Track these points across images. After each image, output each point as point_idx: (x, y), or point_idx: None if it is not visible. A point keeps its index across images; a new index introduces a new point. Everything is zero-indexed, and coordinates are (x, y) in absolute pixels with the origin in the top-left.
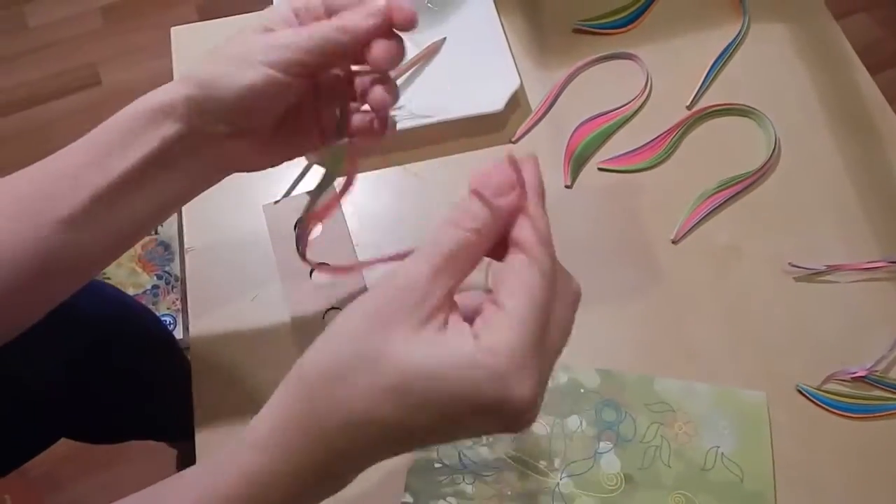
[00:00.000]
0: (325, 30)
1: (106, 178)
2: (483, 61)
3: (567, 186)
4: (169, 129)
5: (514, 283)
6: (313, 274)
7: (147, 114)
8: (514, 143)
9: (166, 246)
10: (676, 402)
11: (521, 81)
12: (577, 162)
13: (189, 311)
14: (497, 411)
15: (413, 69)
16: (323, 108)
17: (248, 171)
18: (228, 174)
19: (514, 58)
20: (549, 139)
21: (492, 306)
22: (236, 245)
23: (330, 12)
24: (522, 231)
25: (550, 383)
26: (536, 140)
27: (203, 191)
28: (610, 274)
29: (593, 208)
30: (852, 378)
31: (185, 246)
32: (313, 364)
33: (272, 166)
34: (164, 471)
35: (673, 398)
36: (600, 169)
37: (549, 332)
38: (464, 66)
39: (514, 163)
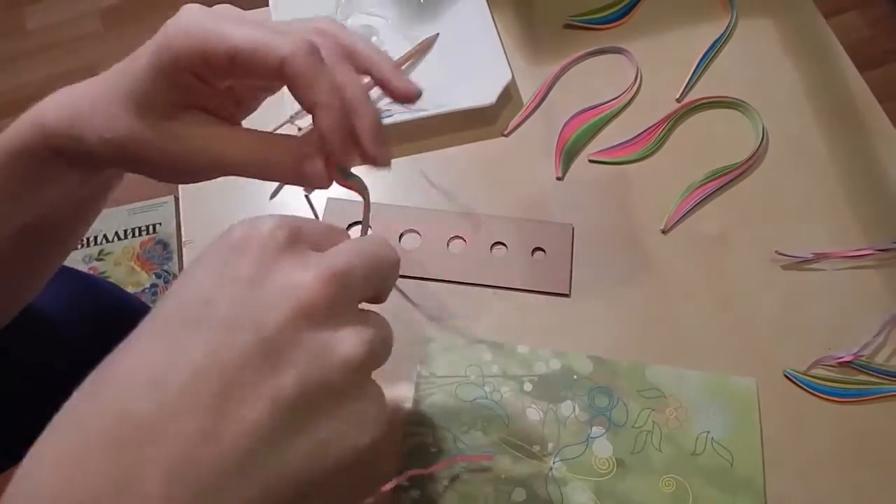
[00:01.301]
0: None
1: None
2: (475, 56)
3: (558, 178)
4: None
5: None
6: None
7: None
8: (505, 135)
9: (165, 245)
10: (668, 389)
11: (513, 76)
12: (568, 154)
13: None
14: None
15: (406, 65)
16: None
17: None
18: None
19: (505, 53)
20: (541, 132)
21: None
22: None
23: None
24: None
25: (545, 369)
26: (528, 133)
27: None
28: (601, 263)
29: (584, 199)
30: (838, 363)
31: (183, 239)
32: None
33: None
34: None
35: (664, 385)
36: (591, 161)
37: None
38: (456, 61)
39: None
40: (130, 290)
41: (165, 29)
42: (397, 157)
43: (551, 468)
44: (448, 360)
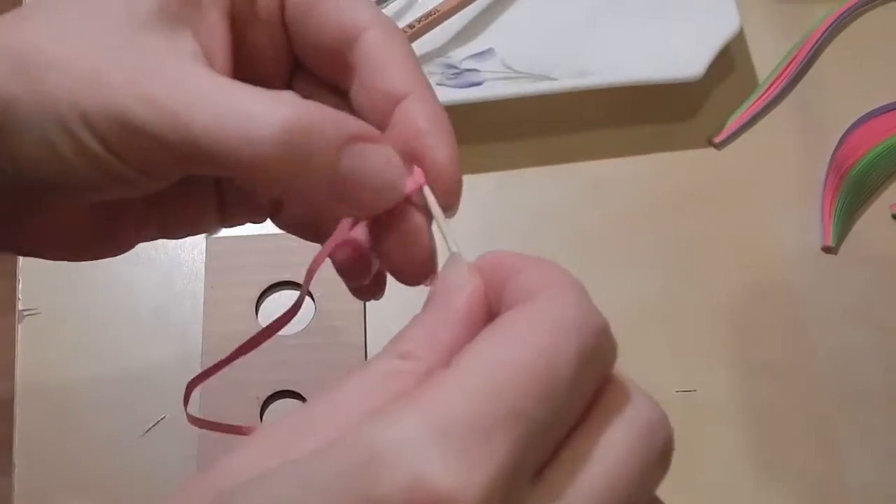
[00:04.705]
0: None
1: None
2: None
3: (826, 249)
4: None
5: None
6: None
7: None
8: (716, 147)
9: None
10: None
11: (741, 25)
12: (848, 200)
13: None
14: None
15: None
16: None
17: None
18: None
19: None
20: (793, 147)
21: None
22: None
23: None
24: None
25: None
26: (764, 147)
27: None
28: None
29: (879, 288)
30: None
31: (19, 308)
32: None
33: (127, 248)
34: None
35: None
36: None
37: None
38: None
39: None
40: None
41: None
42: (493, 171)
43: None
44: None
